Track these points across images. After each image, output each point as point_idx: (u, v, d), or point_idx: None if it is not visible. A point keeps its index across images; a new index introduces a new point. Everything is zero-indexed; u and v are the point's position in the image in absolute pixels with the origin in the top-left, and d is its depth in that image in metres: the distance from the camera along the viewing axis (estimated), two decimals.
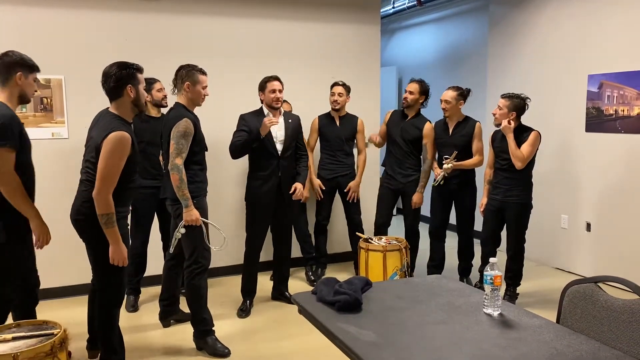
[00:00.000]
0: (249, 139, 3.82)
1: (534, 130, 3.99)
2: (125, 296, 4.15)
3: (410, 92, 4.43)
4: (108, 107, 2.82)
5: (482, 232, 4.25)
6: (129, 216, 4.03)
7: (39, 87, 3.00)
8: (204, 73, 3.39)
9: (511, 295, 4.16)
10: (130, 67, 2.74)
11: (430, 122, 4.49)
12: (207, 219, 3.42)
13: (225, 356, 3.37)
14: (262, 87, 3.94)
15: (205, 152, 3.48)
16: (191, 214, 3.24)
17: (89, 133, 2.85)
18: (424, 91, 4.45)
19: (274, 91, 3.89)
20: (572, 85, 4.90)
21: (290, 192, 4.03)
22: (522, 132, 3.99)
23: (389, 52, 8.09)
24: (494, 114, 4.02)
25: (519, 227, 4.08)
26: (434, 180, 4.35)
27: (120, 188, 2.72)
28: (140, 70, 2.80)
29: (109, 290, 2.89)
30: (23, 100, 2.81)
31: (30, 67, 2.81)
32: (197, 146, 3.34)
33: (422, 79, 4.52)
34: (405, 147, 4.49)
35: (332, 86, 4.64)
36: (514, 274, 4.15)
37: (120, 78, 2.70)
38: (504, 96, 4.00)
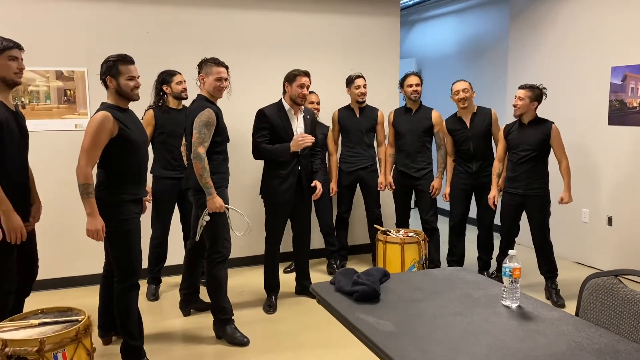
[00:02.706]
0: (280, 152, 3.76)
1: (552, 123, 3.98)
2: (147, 285, 4.25)
3: (417, 85, 4.50)
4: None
5: (502, 225, 4.23)
6: (150, 206, 4.16)
7: (19, 66, 2.75)
8: (219, 64, 3.37)
9: (555, 289, 4.11)
10: (110, 60, 2.87)
11: (434, 109, 4.56)
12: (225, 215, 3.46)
13: (244, 345, 3.42)
14: (291, 79, 3.79)
15: (227, 144, 3.51)
16: (214, 202, 3.29)
17: None
18: (422, 81, 4.60)
19: (302, 86, 3.77)
20: (595, 77, 4.83)
21: (312, 185, 4.03)
22: (540, 124, 3.97)
23: (408, 43, 8.05)
24: (515, 105, 3.99)
25: (544, 218, 4.05)
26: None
27: (121, 172, 2.88)
28: (124, 61, 2.88)
29: (120, 272, 2.97)
30: (6, 83, 2.73)
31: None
32: (220, 136, 3.37)
33: (416, 72, 4.63)
34: (416, 140, 4.50)
35: (353, 79, 4.61)
36: (550, 267, 4.11)
37: (102, 72, 2.88)
38: (523, 87, 3.98)
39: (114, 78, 2.85)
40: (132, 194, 2.94)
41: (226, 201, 3.44)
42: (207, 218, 3.34)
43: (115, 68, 2.84)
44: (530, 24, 5.51)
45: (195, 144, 3.25)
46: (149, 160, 3.11)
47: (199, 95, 3.42)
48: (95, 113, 2.83)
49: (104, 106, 2.87)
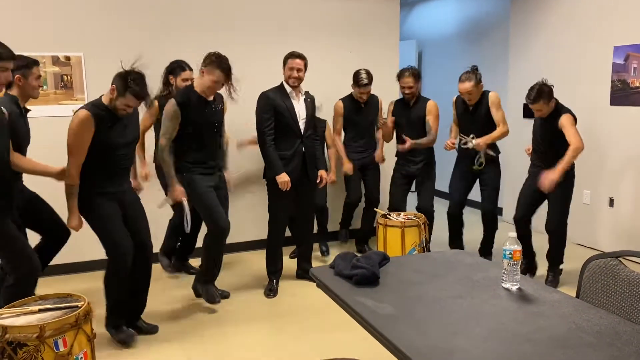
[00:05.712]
0: (273, 167, 3.81)
1: (564, 113, 3.80)
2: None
3: (410, 88, 4.35)
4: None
5: (518, 211, 4.09)
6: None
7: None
8: (223, 70, 3.37)
9: (555, 273, 4.07)
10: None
11: (431, 100, 4.48)
12: (203, 195, 3.52)
13: (214, 302, 3.61)
14: (284, 62, 3.84)
15: (213, 132, 3.55)
16: (174, 191, 3.46)
17: None
18: (419, 78, 4.43)
19: (292, 69, 3.79)
20: (597, 57, 4.77)
21: (317, 181, 4.06)
22: (553, 117, 3.83)
23: (408, 25, 7.96)
24: (540, 117, 3.88)
25: (564, 199, 3.94)
26: (475, 164, 4.26)
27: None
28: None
29: (108, 256, 3.18)
30: (27, 96, 3.22)
31: (26, 66, 3.10)
32: (190, 126, 3.43)
33: (411, 67, 4.40)
34: (415, 133, 4.44)
35: (356, 79, 4.47)
36: (557, 252, 4.04)
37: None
38: (534, 100, 3.75)
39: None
40: (109, 188, 3.14)
41: (208, 187, 3.51)
42: (186, 204, 3.49)
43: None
44: (532, 4, 5.44)
45: (160, 136, 3.42)
46: None
47: (190, 84, 3.54)
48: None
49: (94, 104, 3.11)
